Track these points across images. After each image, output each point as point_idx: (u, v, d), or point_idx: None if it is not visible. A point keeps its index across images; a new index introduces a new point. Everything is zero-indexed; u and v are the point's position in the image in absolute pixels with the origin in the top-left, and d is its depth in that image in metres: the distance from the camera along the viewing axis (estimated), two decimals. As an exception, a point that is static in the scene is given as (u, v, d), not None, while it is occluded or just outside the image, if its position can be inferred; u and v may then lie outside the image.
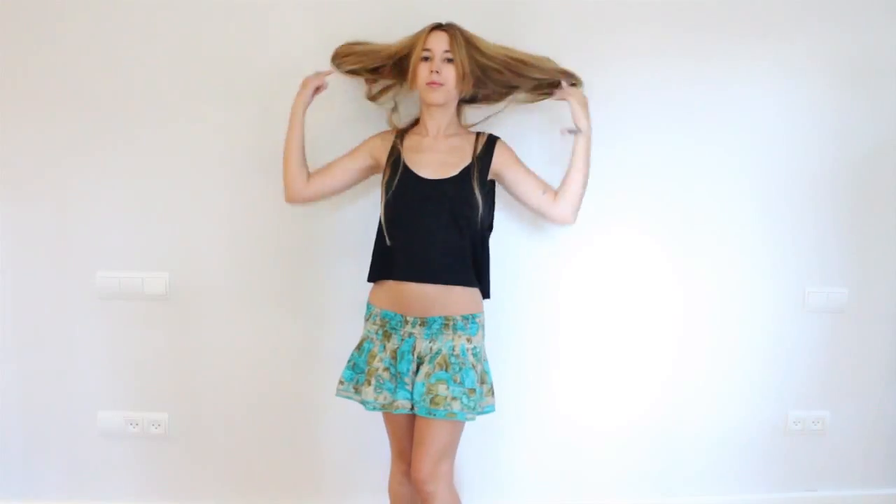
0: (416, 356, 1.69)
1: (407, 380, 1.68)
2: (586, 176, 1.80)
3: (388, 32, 1.84)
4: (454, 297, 1.71)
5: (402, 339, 1.70)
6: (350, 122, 1.99)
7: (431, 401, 1.63)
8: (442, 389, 1.63)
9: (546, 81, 1.84)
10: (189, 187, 2.07)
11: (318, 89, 1.84)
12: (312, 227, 2.10)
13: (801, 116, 2.17)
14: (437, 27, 1.74)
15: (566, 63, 2.04)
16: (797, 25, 2.12)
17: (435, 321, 1.69)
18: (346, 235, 2.09)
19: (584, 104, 1.80)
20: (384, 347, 1.72)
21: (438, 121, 1.78)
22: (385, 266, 1.77)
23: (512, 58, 1.77)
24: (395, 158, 1.76)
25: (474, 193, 1.70)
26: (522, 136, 1.99)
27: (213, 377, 2.15)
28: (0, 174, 2.04)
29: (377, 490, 2.14)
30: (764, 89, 2.14)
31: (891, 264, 2.28)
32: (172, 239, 2.08)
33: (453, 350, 1.68)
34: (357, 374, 1.76)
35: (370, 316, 1.78)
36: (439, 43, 1.70)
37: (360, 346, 1.78)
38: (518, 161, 1.82)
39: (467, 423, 1.73)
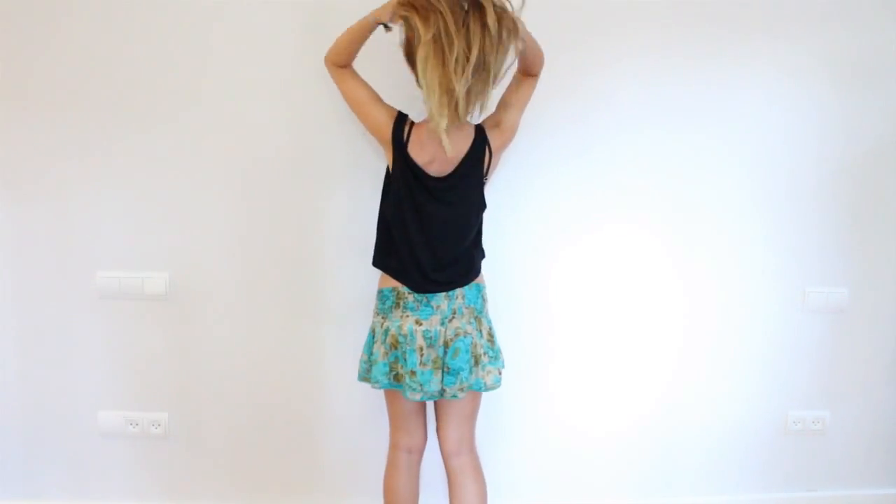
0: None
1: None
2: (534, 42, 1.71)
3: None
4: None
5: None
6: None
7: None
8: None
9: None
10: (189, 187, 2.07)
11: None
12: (313, 227, 2.10)
13: (802, 116, 2.17)
14: None
15: (565, 63, 2.06)
16: (797, 25, 2.12)
17: None
18: (347, 235, 2.09)
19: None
20: None
21: None
22: None
23: None
24: None
25: None
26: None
27: (213, 377, 2.15)
28: (0, 174, 2.04)
29: (377, 490, 2.14)
30: (763, 89, 2.14)
31: (891, 264, 2.28)
32: (172, 239, 2.09)
33: None
34: None
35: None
36: None
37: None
38: None
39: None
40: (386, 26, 1.65)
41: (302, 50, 2.01)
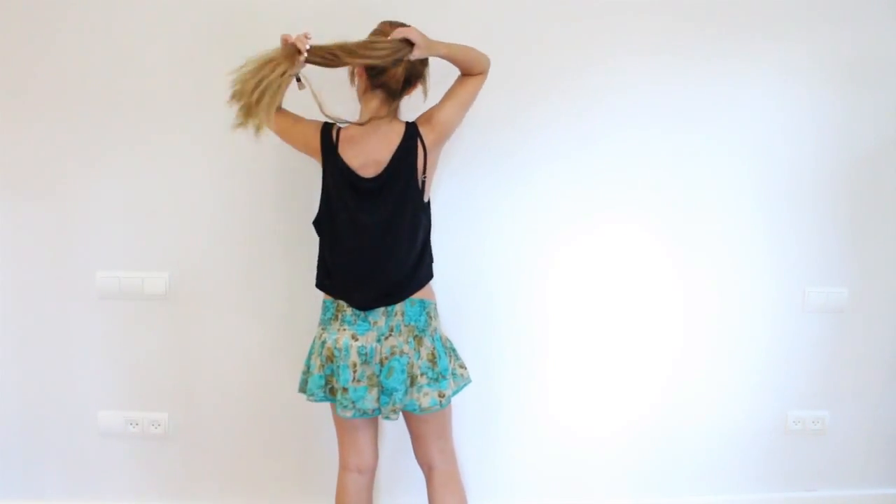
0: None
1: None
2: (459, 49, 1.68)
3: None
4: None
5: None
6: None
7: None
8: None
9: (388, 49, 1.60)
10: (189, 187, 2.07)
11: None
12: (312, 227, 2.10)
13: (802, 116, 2.17)
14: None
15: (567, 59, 2.05)
16: (797, 25, 2.12)
17: None
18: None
19: (412, 31, 1.61)
20: None
21: None
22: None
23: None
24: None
25: None
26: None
27: (213, 377, 2.15)
28: (0, 174, 2.04)
29: (376, 490, 2.14)
30: (764, 89, 2.15)
31: (891, 264, 2.28)
32: (172, 239, 2.09)
33: None
34: None
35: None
36: None
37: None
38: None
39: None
40: (298, 80, 1.60)
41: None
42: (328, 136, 1.69)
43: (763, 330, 2.26)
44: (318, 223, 1.75)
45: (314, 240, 2.10)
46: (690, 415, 2.28)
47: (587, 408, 2.25)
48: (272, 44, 2.00)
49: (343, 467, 1.81)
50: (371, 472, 1.82)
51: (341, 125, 1.68)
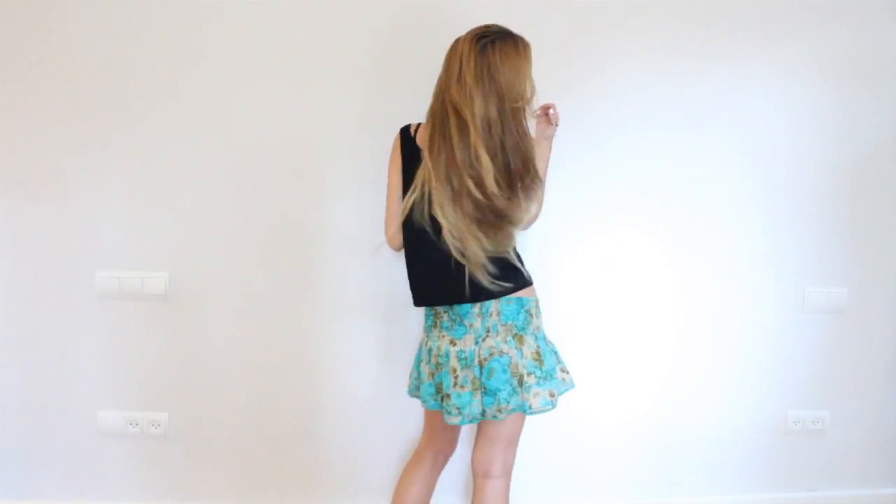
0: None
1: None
2: None
3: (387, 32, 1.85)
4: None
5: None
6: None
7: None
8: None
9: None
10: (189, 187, 2.07)
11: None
12: (313, 226, 2.10)
13: (802, 116, 2.17)
14: None
15: (562, 62, 2.06)
16: (797, 25, 2.12)
17: None
18: (346, 234, 2.09)
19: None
20: None
21: None
22: None
23: None
24: None
25: None
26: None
27: (213, 377, 2.15)
28: (0, 174, 2.04)
29: (377, 490, 2.14)
30: (764, 89, 2.15)
31: (891, 264, 2.28)
32: (172, 239, 2.09)
33: None
34: None
35: None
36: None
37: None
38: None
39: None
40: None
41: (302, 50, 2.01)
42: (406, 132, 1.73)
43: (763, 330, 2.26)
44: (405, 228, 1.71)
45: (314, 239, 2.11)
46: (690, 415, 2.29)
47: (588, 408, 2.25)
48: (273, 42, 2.01)
49: (423, 448, 1.85)
50: (447, 458, 1.87)
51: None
